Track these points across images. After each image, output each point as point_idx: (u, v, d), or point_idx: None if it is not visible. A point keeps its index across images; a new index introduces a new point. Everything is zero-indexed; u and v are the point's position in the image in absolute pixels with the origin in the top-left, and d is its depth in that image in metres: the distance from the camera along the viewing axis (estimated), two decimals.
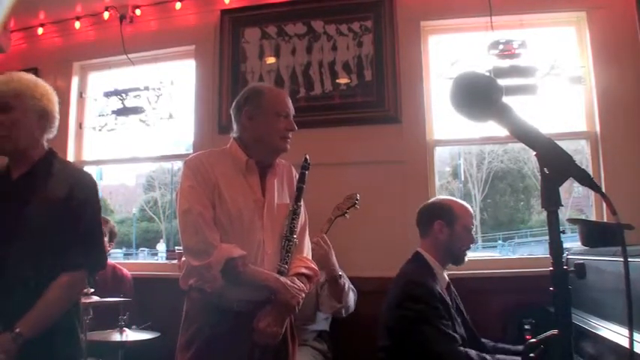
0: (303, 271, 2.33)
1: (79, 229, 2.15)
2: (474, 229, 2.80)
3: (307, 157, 2.51)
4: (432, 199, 2.94)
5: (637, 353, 1.87)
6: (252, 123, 2.37)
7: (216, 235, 2.23)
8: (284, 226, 2.34)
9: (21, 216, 2.10)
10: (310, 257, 2.47)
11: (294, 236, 2.33)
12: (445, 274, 2.71)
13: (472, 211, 2.80)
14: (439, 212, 2.74)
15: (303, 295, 2.26)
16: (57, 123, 2.31)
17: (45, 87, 2.28)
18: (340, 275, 3.11)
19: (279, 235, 2.33)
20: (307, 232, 2.50)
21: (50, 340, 2.05)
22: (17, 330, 1.97)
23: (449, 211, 2.72)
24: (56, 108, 2.30)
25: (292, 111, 2.43)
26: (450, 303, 2.58)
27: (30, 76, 2.26)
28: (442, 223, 2.70)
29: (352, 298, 3.19)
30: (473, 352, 2.39)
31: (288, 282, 2.24)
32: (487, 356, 2.44)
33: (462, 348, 2.39)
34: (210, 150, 2.48)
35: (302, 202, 2.45)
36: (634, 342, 1.90)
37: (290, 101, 2.44)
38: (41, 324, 2.04)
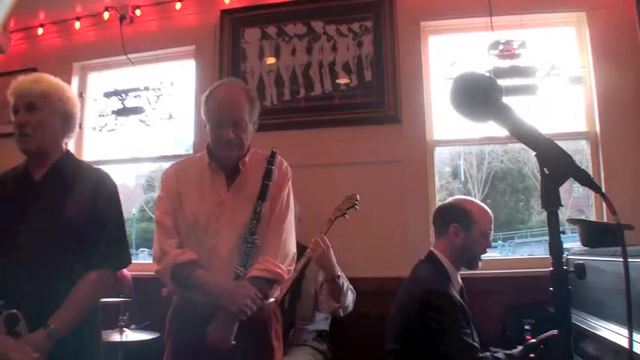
0: (257, 274, 2.19)
1: (106, 228, 2.21)
2: (492, 234, 2.70)
3: (274, 150, 2.39)
4: (452, 199, 2.83)
5: (636, 353, 1.88)
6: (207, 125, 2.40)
7: (172, 242, 2.27)
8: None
9: (47, 215, 2.14)
10: (286, 258, 2.29)
11: (255, 237, 2.23)
12: (459, 277, 2.65)
13: (492, 215, 2.69)
14: (456, 215, 2.65)
15: (250, 300, 2.12)
16: (77, 127, 2.40)
17: (71, 90, 2.36)
18: (339, 275, 3.10)
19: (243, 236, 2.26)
20: (286, 232, 2.33)
21: (74, 335, 2.08)
22: (52, 326, 2.00)
23: (467, 214, 2.63)
24: (79, 112, 2.40)
25: (232, 117, 2.28)
26: (466, 308, 2.53)
27: (57, 79, 2.32)
28: (458, 226, 2.61)
29: (351, 298, 3.18)
30: (490, 357, 2.36)
31: (234, 287, 2.16)
32: (501, 355, 2.41)
33: (482, 354, 2.34)
34: (189, 157, 2.55)
35: (291, 201, 2.40)
36: (633, 342, 1.91)
37: (232, 106, 2.31)
38: (73, 320, 2.08)
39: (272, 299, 2.36)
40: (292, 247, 2.35)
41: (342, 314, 3.17)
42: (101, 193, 2.25)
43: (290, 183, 2.43)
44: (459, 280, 2.65)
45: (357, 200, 3.22)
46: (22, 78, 2.26)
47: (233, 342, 2.15)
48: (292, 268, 2.35)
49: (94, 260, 2.16)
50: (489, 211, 2.70)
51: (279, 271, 2.22)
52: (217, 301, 2.16)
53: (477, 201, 2.79)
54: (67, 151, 2.34)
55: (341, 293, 3.10)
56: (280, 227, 2.32)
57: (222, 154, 2.33)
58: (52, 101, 2.23)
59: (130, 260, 2.36)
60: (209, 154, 2.38)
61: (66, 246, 2.12)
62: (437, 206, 2.86)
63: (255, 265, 2.22)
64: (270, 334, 2.31)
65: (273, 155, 2.37)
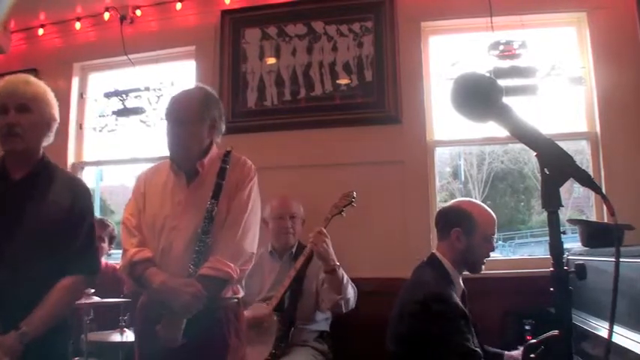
0: (205, 272, 2.19)
1: (80, 236, 2.24)
2: (495, 238, 2.65)
3: (228, 149, 2.40)
4: (454, 202, 2.77)
5: (619, 345, 1.88)
6: None
7: (133, 240, 2.33)
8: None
9: (29, 215, 2.15)
10: (239, 257, 2.27)
11: (207, 236, 2.24)
12: (461, 280, 2.61)
13: (495, 218, 2.64)
14: (458, 219, 2.58)
15: (192, 298, 2.13)
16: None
17: (52, 94, 2.34)
18: (338, 265, 3.11)
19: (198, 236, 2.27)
20: (242, 231, 2.29)
21: (44, 339, 2.09)
22: (23, 329, 2.01)
23: (468, 218, 2.56)
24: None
25: (177, 117, 2.39)
26: (468, 312, 2.46)
27: (41, 82, 2.32)
28: (460, 231, 2.55)
29: (352, 292, 3.19)
30: None
31: (177, 284, 2.16)
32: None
33: None
34: (162, 160, 2.56)
35: (252, 201, 2.38)
36: (613, 333, 1.91)
37: (177, 107, 2.41)
38: (45, 324, 2.08)
39: (235, 299, 2.38)
40: (249, 247, 2.32)
41: (343, 309, 3.16)
42: (78, 201, 2.28)
43: (254, 183, 2.42)
44: (461, 283, 2.61)
45: (353, 197, 3.21)
46: (11, 78, 2.25)
47: (183, 340, 2.16)
48: (247, 267, 2.34)
49: (68, 266, 2.19)
50: (492, 213, 2.64)
51: (228, 270, 2.21)
52: (163, 298, 2.19)
53: (480, 203, 2.73)
54: (44, 153, 2.33)
55: (341, 285, 3.11)
56: (235, 226, 2.30)
57: (170, 154, 2.42)
58: (41, 104, 2.24)
59: (98, 269, 2.40)
60: (170, 155, 2.44)
61: (46, 247, 2.14)
62: (439, 208, 2.82)
63: (206, 263, 2.22)
64: (227, 333, 2.30)
65: (227, 154, 2.37)
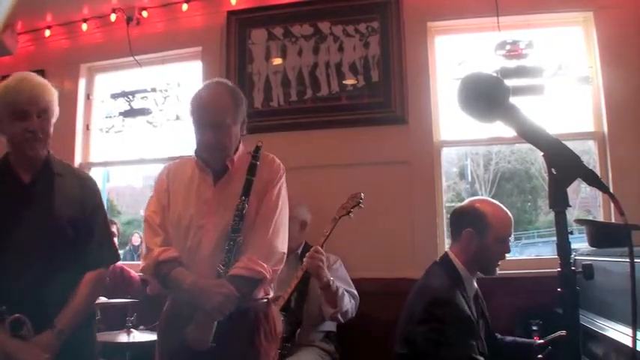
0: (237, 272, 2.11)
1: (97, 231, 2.29)
2: (511, 239, 2.54)
3: (259, 145, 2.31)
4: (468, 201, 2.64)
5: None
6: None
7: (157, 239, 2.26)
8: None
9: (43, 216, 2.18)
10: (271, 257, 2.20)
11: (237, 235, 2.15)
12: (474, 282, 2.54)
13: (511, 219, 2.52)
14: (470, 219, 2.49)
15: (224, 299, 2.06)
16: None
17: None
18: (332, 280, 3.10)
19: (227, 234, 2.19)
20: (273, 231, 2.23)
21: (71, 338, 2.13)
22: (59, 327, 2.07)
23: (482, 219, 2.46)
24: None
25: (213, 120, 2.26)
26: (476, 314, 2.44)
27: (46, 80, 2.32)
28: (472, 232, 2.45)
29: (349, 304, 3.17)
30: None
31: (209, 285, 2.09)
32: None
33: None
34: (185, 157, 2.52)
35: (282, 200, 2.31)
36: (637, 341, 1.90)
37: (214, 109, 2.27)
38: (77, 319, 2.15)
39: (265, 299, 2.31)
40: (280, 247, 2.25)
41: (342, 320, 3.16)
42: (89, 196, 2.32)
43: (282, 181, 2.36)
44: (474, 285, 2.54)
45: (361, 198, 3.19)
46: (23, 78, 2.23)
47: (212, 343, 2.09)
48: (279, 268, 2.25)
49: (89, 261, 2.24)
50: (508, 214, 2.52)
51: (261, 269, 2.14)
52: (193, 300, 2.12)
53: (496, 203, 2.59)
54: (49, 152, 2.33)
55: (336, 298, 3.09)
56: (266, 225, 2.23)
57: (204, 156, 2.32)
58: (53, 108, 2.26)
59: (119, 256, 2.50)
60: (196, 152, 2.37)
61: (63, 246, 2.18)
62: (454, 208, 2.73)
63: (237, 263, 2.14)
64: (257, 336, 2.23)
65: (257, 150, 2.29)
